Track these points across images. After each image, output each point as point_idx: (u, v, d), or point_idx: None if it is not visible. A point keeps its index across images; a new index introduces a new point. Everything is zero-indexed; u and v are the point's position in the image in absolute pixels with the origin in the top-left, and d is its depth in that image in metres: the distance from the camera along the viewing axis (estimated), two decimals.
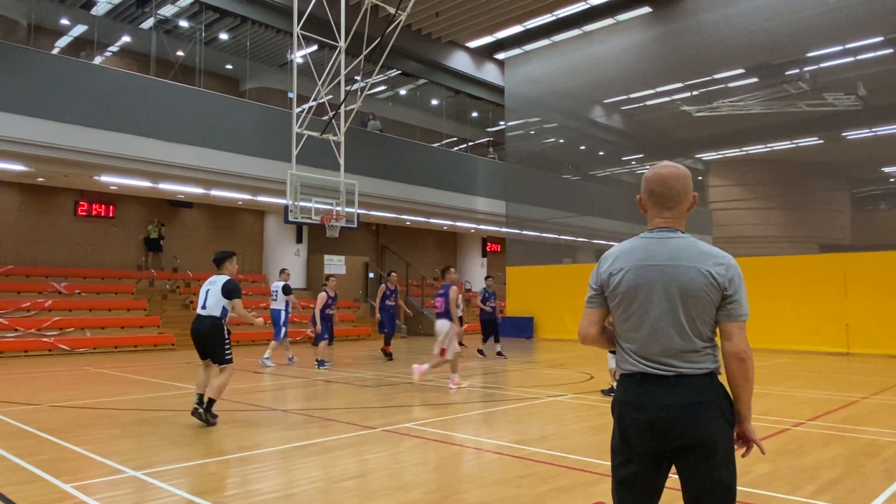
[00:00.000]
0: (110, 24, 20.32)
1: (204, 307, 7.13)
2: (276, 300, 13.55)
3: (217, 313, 7.10)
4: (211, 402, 7.00)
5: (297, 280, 23.08)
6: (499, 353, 15.03)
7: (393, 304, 15.09)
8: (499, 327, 15.47)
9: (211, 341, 7.11)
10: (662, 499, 2.45)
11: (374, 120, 22.44)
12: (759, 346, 16.48)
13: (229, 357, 7.16)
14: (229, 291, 7.13)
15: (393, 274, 15.65)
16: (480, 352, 15.35)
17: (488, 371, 12.76)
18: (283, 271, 14.19)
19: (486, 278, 16.53)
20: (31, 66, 15.22)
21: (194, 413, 6.97)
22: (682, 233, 2.44)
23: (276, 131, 18.35)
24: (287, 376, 11.67)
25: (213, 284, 7.20)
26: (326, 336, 13.15)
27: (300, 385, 10.63)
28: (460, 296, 10.68)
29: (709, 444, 2.28)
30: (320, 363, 12.79)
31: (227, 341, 7.17)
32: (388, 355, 14.45)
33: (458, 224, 26.81)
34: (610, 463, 2.47)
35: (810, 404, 8.67)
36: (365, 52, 16.40)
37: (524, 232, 24.95)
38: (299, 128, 16.12)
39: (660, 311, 2.33)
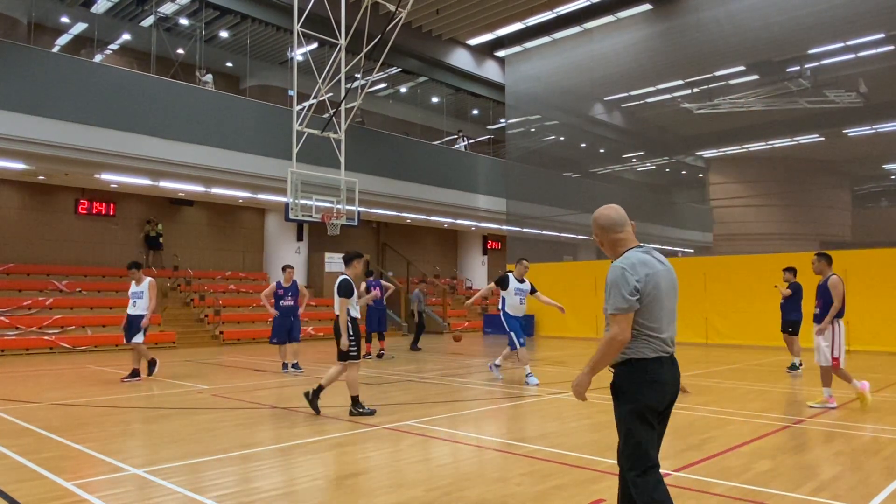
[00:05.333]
0: (110, 21, 20.31)
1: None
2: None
3: (337, 311, 7.48)
4: (320, 388, 7.55)
5: (298, 278, 23.07)
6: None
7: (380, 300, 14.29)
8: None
9: (337, 340, 7.52)
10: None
11: (209, 74, 20.07)
12: (761, 343, 16.48)
13: (352, 354, 7.48)
14: (338, 288, 7.50)
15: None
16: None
17: (489, 369, 12.77)
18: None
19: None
20: (31, 65, 15.21)
21: (351, 414, 7.46)
22: None
23: (277, 129, 18.34)
24: (297, 374, 11.65)
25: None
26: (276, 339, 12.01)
27: (300, 383, 10.63)
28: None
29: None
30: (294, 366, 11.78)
31: (351, 338, 7.47)
32: (379, 355, 14.27)
33: (458, 222, 26.81)
34: (636, 432, 3.08)
35: (811, 401, 8.66)
36: (365, 50, 16.39)
37: (525, 230, 24.94)
38: (300, 125, 16.11)
39: (671, 307, 3.19)
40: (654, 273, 3.09)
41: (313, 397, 7.50)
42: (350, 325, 7.47)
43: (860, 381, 7.89)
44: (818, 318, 7.93)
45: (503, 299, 10.44)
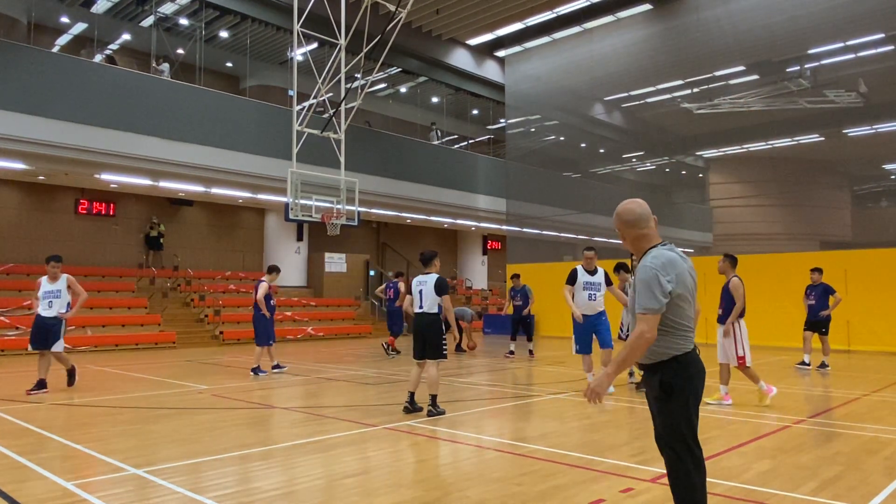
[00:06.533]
0: (110, 21, 20.31)
1: (421, 306, 7.48)
2: None
3: (434, 310, 7.43)
4: (434, 396, 7.43)
5: (298, 278, 23.10)
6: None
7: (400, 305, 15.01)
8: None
9: (430, 337, 7.41)
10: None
11: (165, 64, 18.97)
12: (761, 343, 16.45)
13: (444, 352, 7.49)
14: (440, 288, 7.43)
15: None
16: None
17: (489, 369, 12.77)
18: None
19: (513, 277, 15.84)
20: (31, 65, 15.22)
21: (406, 411, 7.49)
22: None
23: (277, 129, 18.34)
24: (297, 374, 11.66)
25: (425, 284, 7.50)
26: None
27: (300, 383, 10.64)
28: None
29: None
30: (256, 371, 11.33)
31: (444, 337, 7.53)
32: (396, 351, 14.74)
33: (458, 222, 26.80)
34: (685, 425, 3.18)
35: (811, 401, 8.67)
36: (365, 50, 16.39)
37: (525, 230, 24.94)
38: (300, 125, 16.11)
39: (694, 300, 3.30)
40: (682, 272, 3.20)
41: (433, 406, 7.41)
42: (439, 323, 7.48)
43: (768, 384, 8.10)
44: (721, 319, 8.24)
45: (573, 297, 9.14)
